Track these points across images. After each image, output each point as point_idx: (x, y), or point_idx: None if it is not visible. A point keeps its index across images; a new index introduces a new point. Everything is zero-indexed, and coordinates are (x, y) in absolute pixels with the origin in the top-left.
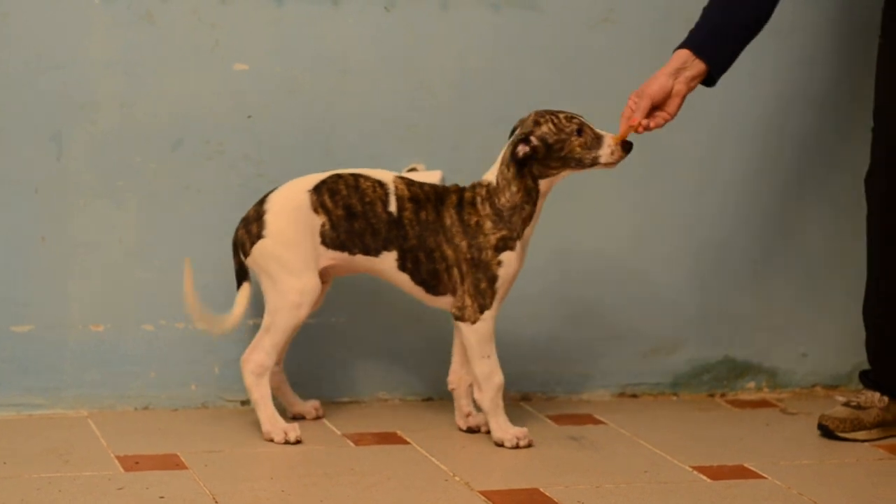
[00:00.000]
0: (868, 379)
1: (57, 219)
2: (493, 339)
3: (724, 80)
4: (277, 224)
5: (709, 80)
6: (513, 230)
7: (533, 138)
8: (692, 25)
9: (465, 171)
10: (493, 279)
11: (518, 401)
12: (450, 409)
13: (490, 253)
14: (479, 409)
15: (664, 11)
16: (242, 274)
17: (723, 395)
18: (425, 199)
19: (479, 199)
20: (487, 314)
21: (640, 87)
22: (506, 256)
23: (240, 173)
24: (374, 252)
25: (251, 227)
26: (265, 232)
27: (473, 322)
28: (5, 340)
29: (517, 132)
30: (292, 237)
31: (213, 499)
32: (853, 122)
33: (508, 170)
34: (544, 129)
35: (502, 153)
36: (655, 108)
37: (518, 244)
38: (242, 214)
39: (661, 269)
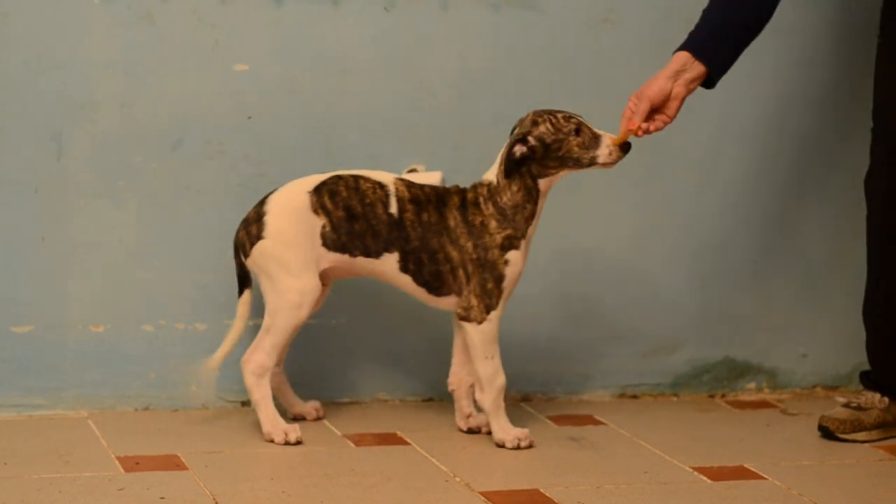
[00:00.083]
0: (868, 379)
1: (57, 219)
2: (497, 341)
3: (724, 80)
4: (277, 225)
5: (708, 82)
6: (517, 229)
7: (530, 138)
8: (692, 26)
9: (465, 171)
10: (499, 279)
11: (518, 401)
12: (450, 410)
13: (496, 252)
14: (479, 409)
15: (664, 11)
16: (244, 278)
17: (723, 396)
18: (426, 200)
19: (481, 199)
20: (493, 315)
21: (639, 89)
22: (512, 255)
23: (240, 173)
24: (374, 254)
25: (251, 229)
26: (265, 233)
27: (479, 322)
28: (5, 340)
29: (516, 132)
30: (292, 238)
31: (214, 499)
32: (853, 122)
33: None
34: (542, 128)
35: (501, 153)
36: (655, 110)
37: (522, 243)
38: (243, 215)
39: (661, 269)
